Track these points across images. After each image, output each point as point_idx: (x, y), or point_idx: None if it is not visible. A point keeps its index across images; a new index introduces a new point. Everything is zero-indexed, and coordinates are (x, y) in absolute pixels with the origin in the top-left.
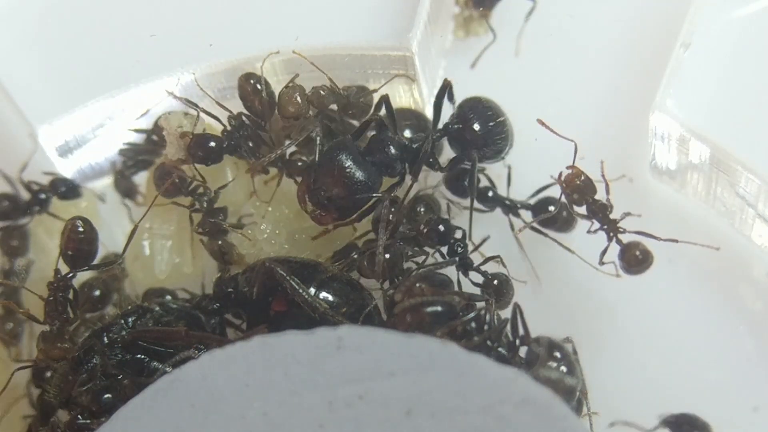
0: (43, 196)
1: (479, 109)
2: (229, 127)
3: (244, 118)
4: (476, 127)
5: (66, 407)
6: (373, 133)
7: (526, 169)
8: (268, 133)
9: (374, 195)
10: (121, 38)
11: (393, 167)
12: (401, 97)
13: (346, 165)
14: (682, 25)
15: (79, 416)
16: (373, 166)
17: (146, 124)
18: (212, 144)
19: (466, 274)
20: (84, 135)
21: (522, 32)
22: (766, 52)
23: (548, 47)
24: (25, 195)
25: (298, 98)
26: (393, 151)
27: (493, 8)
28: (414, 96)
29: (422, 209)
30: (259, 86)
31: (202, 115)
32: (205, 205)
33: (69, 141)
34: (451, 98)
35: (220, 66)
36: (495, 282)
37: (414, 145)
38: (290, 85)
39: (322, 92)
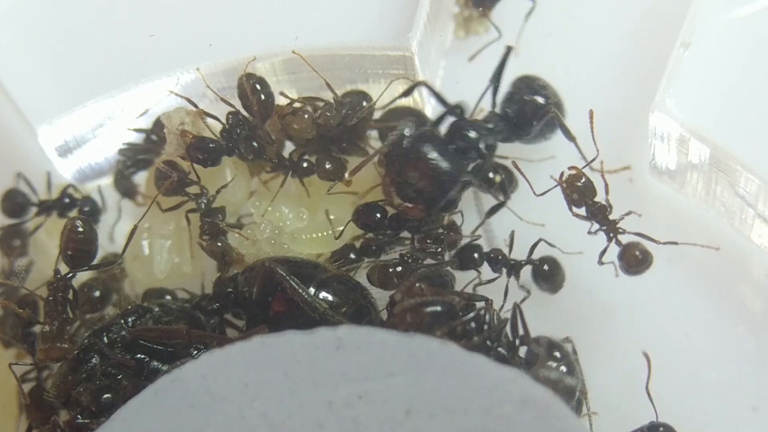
0: (67, 200)
1: (536, 84)
2: (227, 126)
3: (240, 117)
4: (541, 100)
5: (66, 407)
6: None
7: (527, 168)
8: (264, 133)
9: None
10: (121, 38)
11: (475, 151)
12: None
13: (433, 156)
14: (682, 25)
15: (79, 416)
16: (456, 154)
17: (146, 124)
18: (211, 147)
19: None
20: (84, 135)
21: (522, 32)
22: (766, 52)
23: (548, 47)
24: (40, 195)
25: (307, 122)
26: (474, 135)
27: (492, 8)
28: (414, 96)
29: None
30: (258, 86)
31: (204, 115)
32: (203, 206)
33: (69, 141)
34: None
35: (219, 66)
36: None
37: (490, 125)
38: (300, 107)
39: (328, 113)
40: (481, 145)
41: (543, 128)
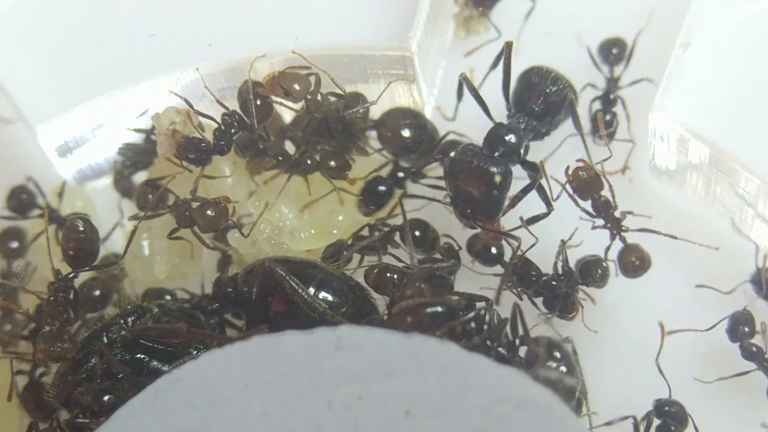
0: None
1: (549, 74)
2: (223, 126)
3: (236, 117)
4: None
5: (66, 407)
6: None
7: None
8: (258, 134)
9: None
10: (121, 38)
11: (517, 155)
12: (400, 96)
13: (477, 170)
14: (682, 25)
15: (79, 416)
16: (501, 159)
17: (145, 124)
18: (201, 146)
19: None
20: (83, 135)
21: (522, 32)
22: (765, 52)
23: (548, 47)
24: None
25: (296, 85)
26: (514, 139)
27: (492, 8)
28: (413, 96)
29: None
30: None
31: (195, 114)
32: (174, 210)
33: (68, 141)
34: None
35: (219, 66)
36: None
37: (522, 125)
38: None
39: (318, 97)
40: (522, 149)
41: (560, 118)
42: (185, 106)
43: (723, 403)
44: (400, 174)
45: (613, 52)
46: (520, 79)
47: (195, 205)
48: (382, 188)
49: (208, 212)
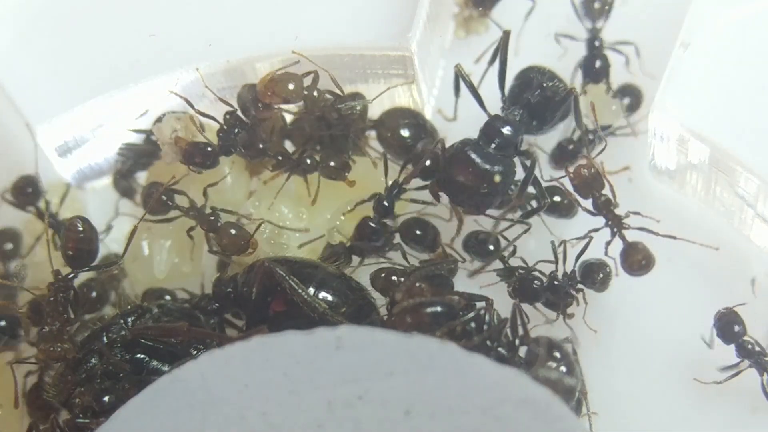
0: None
1: (547, 72)
2: (225, 126)
3: (238, 117)
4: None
5: (66, 407)
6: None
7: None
8: (261, 133)
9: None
10: (121, 38)
11: (513, 147)
12: (400, 96)
13: (480, 161)
14: (682, 25)
15: (79, 416)
16: (499, 153)
17: (145, 124)
18: (207, 150)
19: None
20: (83, 135)
21: (522, 32)
22: (766, 52)
23: (548, 47)
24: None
25: (291, 86)
26: (510, 131)
27: (492, 8)
28: (413, 96)
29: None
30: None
31: (196, 115)
32: (196, 213)
33: (68, 141)
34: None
35: (219, 66)
36: None
37: (517, 118)
38: (288, 71)
39: (315, 94)
40: (518, 140)
41: (557, 115)
42: (184, 109)
43: (723, 404)
44: (385, 203)
45: (595, 6)
46: (517, 77)
47: (225, 218)
48: (372, 227)
49: (232, 231)
